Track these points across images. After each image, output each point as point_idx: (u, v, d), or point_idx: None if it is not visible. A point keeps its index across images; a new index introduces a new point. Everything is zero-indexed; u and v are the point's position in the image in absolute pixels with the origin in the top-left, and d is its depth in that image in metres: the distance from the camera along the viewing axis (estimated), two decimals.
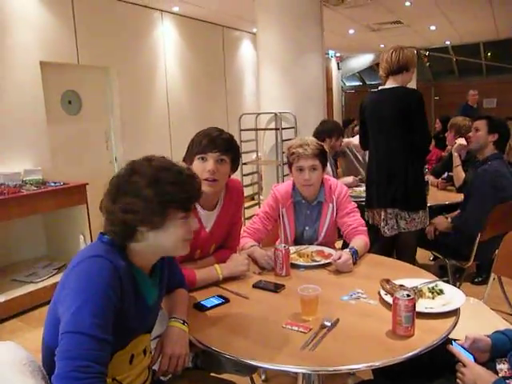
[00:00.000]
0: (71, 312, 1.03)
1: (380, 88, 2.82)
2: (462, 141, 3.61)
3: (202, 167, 1.76)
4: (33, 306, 3.43)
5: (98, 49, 4.80)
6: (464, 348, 1.32)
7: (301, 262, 1.98)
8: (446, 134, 4.10)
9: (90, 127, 4.90)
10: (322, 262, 1.96)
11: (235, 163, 1.86)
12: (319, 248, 2.13)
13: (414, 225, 2.75)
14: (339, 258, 1.87)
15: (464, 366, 1.28)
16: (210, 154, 1.76)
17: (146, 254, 1.22)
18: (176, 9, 5.72)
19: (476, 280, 3.55)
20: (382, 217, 2.78)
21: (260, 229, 2.22)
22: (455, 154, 3.53)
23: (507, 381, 1.25)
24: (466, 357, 1.28)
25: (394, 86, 2.73)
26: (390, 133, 2.73)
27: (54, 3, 4.32)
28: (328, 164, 3.41)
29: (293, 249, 2.07)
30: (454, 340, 1.35)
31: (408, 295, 1.34)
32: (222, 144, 1.77)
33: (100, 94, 5.03)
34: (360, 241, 2.08)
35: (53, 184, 3.77)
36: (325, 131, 3.75)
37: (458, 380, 1.29)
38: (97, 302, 1.05)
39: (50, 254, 4.22)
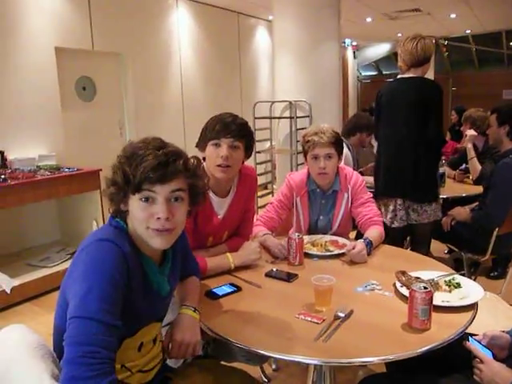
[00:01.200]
0: (79, 297, 1.02)
1: (399, 77, 2.76)
2: (471, 131, 3.55)
3: (216, 153, 1.73)
4: (46, 290, 3.47)
5: (113, 35, 4.78)
6: (481, 344, 1.28)
7: (314, 251, 1.95)
8: (462, 128, 4.01)
9: (103, 113, 4.90)
10: (335, 252, 1.93)
11: (249, 149, 1.83)
12: (333, 238, 2.10)
13: (425, 217, 2.70)
14: (353, 248, 1.84)
15: (481, 362, 1.24)
16: (224, 140, 1.73)
17: (142, 239, 1.19)
18: None
19: (492, 274, 3.49)
20: (391, 208, 2.73)
21: (274, 217, 2.19)
22: (469, 146, 3.46)
23: None
24: (483, 353, 1.24)
25: (413, 76, 2.67)
26: (404, 122, 2.67)
27: None
28: (350, 156, 3.37)
29: (306, 238, 2.04)
30: (471, 335, 1.32)
31: (425, 287, 1.31)
32: (235, 129, 1.73)
33: (114, 81, 5.02)
34: (375, 231, 2.05)
35: (67, 169, 3.78)
36: (358, 126, 3.62)
37: (474, 376, 1.26)
38: (104, 287, 1.03)
39: (64, 239, 4.26)
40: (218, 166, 1.73)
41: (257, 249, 1.83)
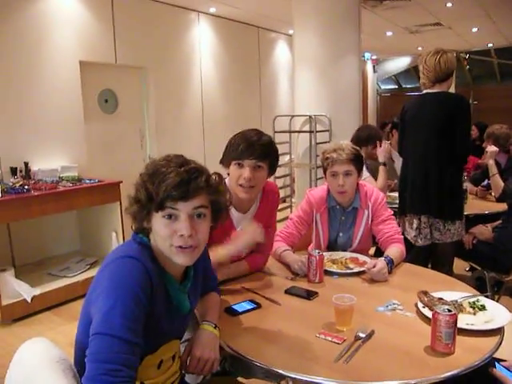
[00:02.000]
0: (102, 313, 1.02)
1: (424, 92, 2.72)
2: (492, 147, 3.48)
3: (238, 173, 1.72)
4: (66, 300, 3.50)
5: (136, 49, 4.88)
6: (510, 371, 1.24)
7: (334, 268, 1.93)
8: (484, 144, 3.94)
9: (125, 126, 4.98)
10: (356, 270, 1.91)
11: (273, 168, 1.81)
12: (354, 255, 2.08)
13: (449, 236, 2.64)
14: (374, 267, 1.82)
15: None
16: (247, 161, 1.71)
17: (165, 257, 1.19)
18: (213, 10, 5.74)
19: None
20: (415, 225, 2.68)
21: (293, 233, 2.18)
22: (490, 162, 3.39)
23: None
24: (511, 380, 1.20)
25: (439, 91, 2.64)
26: (429, 138, 2.64)
27: (94, 4, 4.41)
28: (367, 172, 3.32)
29: (326, 255, 2.02)
30: (498, 361, 1.28)
31: (449, 310, 1.28)
32: (259, 150, 1.70)
33: (136, 94, 5.11)
34: (396, 249, 2.02)
35: (88, 181, 3.84)
36: (361, 139, 3.55)
37: None
38: (128, 304, 1.03)
39: (83, 249, 4.31)
40: (241, 185, 1.73)
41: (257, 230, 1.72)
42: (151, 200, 1.13)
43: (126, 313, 1.02)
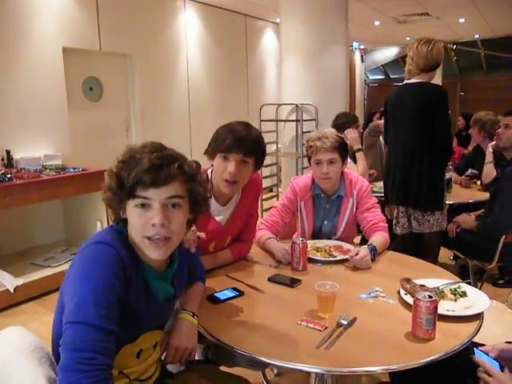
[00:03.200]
0: (75, 302, 1.00)
1: (405, 82, 2.73)
2: (492, 143, 3.49)
3: (223, 167, 1.68)
4: (50, 290, 3.46)
5: (120, 35, 4.79)
6: (489, 356, 1.25)
7: (318, 256, 1.93)
8: (470, 131, 3.96)
9: (110, 114, 4.91)
10: (339, 258, 1.91)
11: (259, 163, 1.77)
12: (337, 243, 2.08)
13: (427, 226, 2.66)
14: (356, 254, 1.82)
15: (489, 375, 1.21)
16: (233, 156, 1.67)
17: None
18: None
19: (498, 282, 3.45)
20: (395, 214, 2.73)
21: (278, 221, 2.17)
22: (490, 150, 3.39)
23: None
24: (490, 365, 1.21)
25: (419, 81, 2.63)
26: (409, 129, 2.65)
27: None
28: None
29: (310, 243, 2.01)
30: (477, 345, 1.29)
31: (430, 296, 1.28)
32: (247, 146, 1.66)
33: (121, 82, 5.03)
34: (379, 237, 2.02)
35: (72, 170, 3.79)
36: (339, 126, 3.55)
37: None
38: (100, 291, 1.01)
39: (68, 239, 4.27)
40: (225, 180, 1.69)
41: None
42: (122, 187, 1.10)
43: (99, 300, 1.00)
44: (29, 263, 3.69)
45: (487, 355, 1.23)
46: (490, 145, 3.45)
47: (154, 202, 1.10)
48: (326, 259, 1.91)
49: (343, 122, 3.62)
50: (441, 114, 2.56)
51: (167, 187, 1.10)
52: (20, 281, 3.34)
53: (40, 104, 4.05)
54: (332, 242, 2.10)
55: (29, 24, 3.92)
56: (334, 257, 1.93)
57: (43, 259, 3.75)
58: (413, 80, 2.67)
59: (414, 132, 2.63)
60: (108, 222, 3.82)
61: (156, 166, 1.08)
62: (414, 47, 2.63)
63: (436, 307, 1.28)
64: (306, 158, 2.23)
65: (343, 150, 2.13)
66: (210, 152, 1.73)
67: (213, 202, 1.79)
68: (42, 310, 3.27)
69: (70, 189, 3.68)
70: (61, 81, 4.21)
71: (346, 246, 2.04)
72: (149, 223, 1.10)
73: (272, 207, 2.30)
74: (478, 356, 1.22)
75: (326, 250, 1.98)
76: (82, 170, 3.78)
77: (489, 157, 3.37)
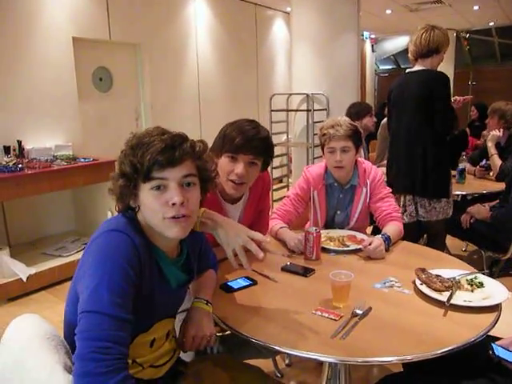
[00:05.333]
0: (89, 290, 0.99)
1: (407, 71, 2.73)
2: (496, 132, 3.47)
3: (230, 167, 1.63)
4: (61, 280, 3.49)
5: (130, 25, 4.77)
6: (509, 350, 1.22)
7: (331, 246, 1.91)
8: (487, 121, 3.90)
9: (120, 104, 4.90)
10: (353, 248, 1.89)
11: (267, 164, 1.73)
12: (351, 233, 2.06)
13: (434, 214, 2.64)
14: (370, 244, 1.80)
15: None
16: (242, 157, 1.62)
17: (155, 232, 1.16)
18: None
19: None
20: (402, 203, 2.70)
21: (290, 211, 2.16)
22: (489, 145, 3.38)
23: None
24: None
25: (420, 68, 2.62)
26: (411, 117, 2.64)
27: None
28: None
29: (324, 233, 1.99)
30: (494, 339, 1.26)
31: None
32: (257, 146, 1.61)
33: (131, 72, 5.02)
34: (393, 227, 2.00)
35: (83, 160, 3.80)
36: (352, 114, 3.60)
37: None
38: (115, 280, 1.00)
39: (79, 229, 4.29)
40: (231, 181, 1.65)
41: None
42: (137, 171, 1.09)
43: (114, 288, 0.99)
44: (40, 253, 3.72)
45: (509, 350, 1.20)
46: (488, 139, 3.42)
47: (170, 181, 1.10)
48: (340, 249, 1.89)
49: (357, 110, 3.62)
50: (440, 100, 2.53)
51: (182, 166, 1.11)
52: (32, 270, 3.37)
53: (50, 94, 4.05)
54: (345, 232, 2.07)
55: (38, 14, 3.91)
56: (347, 246, 1.91)
57: (54, 249, 3.77)
58: (415, 68, 2.67)
59: (416, 119, 2.62)
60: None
61: (169, 145, 1.09)
62: (411, 37, 2.66)
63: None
64: (320, 146, 2.20)
65: (357, 138, 2.10)
66: (216, 150, 1.66)
67: (223, 202, 1.77)
68: (53, 299, 3.30)
69: (81, 179, 3.69)
70: (71, 71, 4.20)
71: (359, 235, 2.01)
72: (168, 204, 1.10)
73: (284, 197, 2.28)
74: (497, 352, 1.19)
75: (339, 240, 1.96)
76: (93, 160, 3.79)
77: (491, 150, 3.35)
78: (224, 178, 1.66)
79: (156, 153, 1.07)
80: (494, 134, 3.44)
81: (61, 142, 4.07)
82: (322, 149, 2.16)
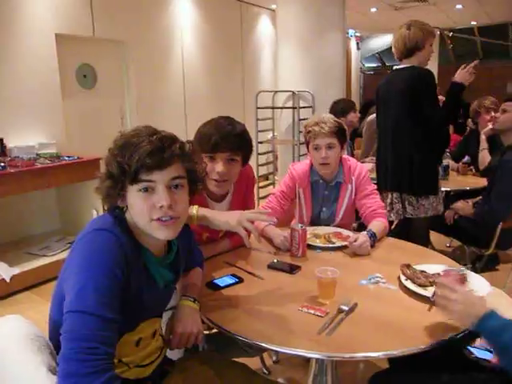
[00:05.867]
0: (75, 290, 0.98)
1: (394, 68, 2.76)
2: (490, 126, 3.49)
3: (211, 167, 1.63)
4: (46, 280, 3.45)
5: (114, 22, 4.72)
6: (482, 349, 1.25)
7: (317, 243, 1.92)
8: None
9: (104, 102, 4.85)
10: (338, 244, 1.90)
11: (247, 158, 1.73)
12: (337, 230, 2.07)
13: (423, 211, 2.65)
14: (355, 241, 1.81)
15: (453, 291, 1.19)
16: (220, 155, 1.62)
17: (142, 232, 1.15)
18: None
19: (494, 267, 3.46)
20: (389, 201, 2.70)
21: (276, 208, 2.16)
22: (483, 137, 3.41)
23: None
24: (454, 284, 1.20)
25: (405, 66, 2.65)
26: (397, 114, 2.65)
27: None
28: None
29: (309, 230, 2.00)
30: (470, 344, 1.28)
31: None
32: (233, 142, 1.60)
33: (115, 69, 4.96)
34: (379, 223, 2.01)
35: (67, 158, 3.74)
36: (337, 112, 3.59)
37: (438, 307, 1.22)
38: (101, 280, 0.99)
39: (63, 228, 4.23)
40: (213, 180, 1.65)
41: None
42: (124, 173, 1.07)
43: (100, 288, 0.98)
44: (24, 252, 3.66)
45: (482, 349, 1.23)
46: (483, 132, 3.45)
47: (158, 184, 1.09)
48: (326, 246, 1.90)
49: (342, 107, 3.64)
50: (427, 97, 2.54)
51: (170, 168, 1.10)
52: (16, 270, 3.32)
53: (33, 92, 3.99)
54: (331, 229, 2.09)
55: (20, 10, 3.85)
56: (333, 243, 1.92)
57: (39, 248, 3.72)
58: (401, 66, 2.69)
59: (403, 116, 2.62)
60: (104, 211, 3.79)
61: (158, 147, 1.07)
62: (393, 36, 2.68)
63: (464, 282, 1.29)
64: (305, 144, 2.21)
65: (341, 135, 2.12)
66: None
67: (209, 201, 1.77)
68: (38, 299, 3.25)
69: (65, 177, 3.64)
70: (54, 68, 4.14)
71: (345, 232, 2.02)
72: (155, 206, 1.09)
73: (270, 194, 2.28)
74: (475, 353, 1.22)
75: (325, 237, 1.97)
76: (77, 159, 3.74)
77: (483, 143, 3.38)
78: (206, 178, 1.66)
79: (144, 155, 1.06)
80: (490, 128, 3.45)
81: (44, 139, 4.01)
82: (307, 146, 2.17)
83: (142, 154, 1.06)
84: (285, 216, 2.23)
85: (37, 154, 3.77)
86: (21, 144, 3.78)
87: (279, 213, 2.17)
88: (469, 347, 1.27)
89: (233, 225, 1.48)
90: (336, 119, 2.15)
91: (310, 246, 1.88)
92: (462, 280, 1.28)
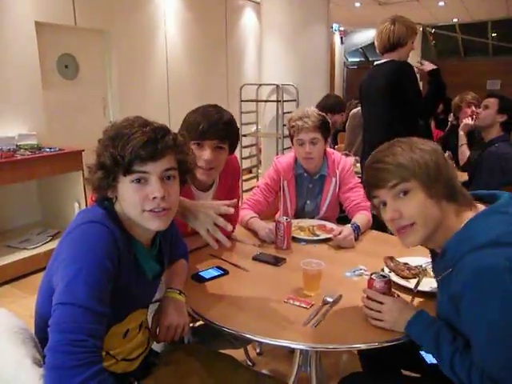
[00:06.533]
0: (65, 282, 0.96)
1: (375, 63, 2.78)
2: (468, 121, 3.55)
3: (198, 154, 1.62)
4: (27, 273, 3.40)
5: (97, 11, 4.63)
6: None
7: (302, 235, 1.93)
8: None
9: (86, 92, 4.77)
10: (323, 237, 1.92)
11: (234, 147, 1.73)
12: (321, 222, 2.08)
13: None
14: (339, 234, 1.83)
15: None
16: (208, 142, 1.61)
17: (133, 223, 1.15)
18: None
19: None
20: None
21: (261, 200, 2.17)
22: (461, 133, 3.46)
23: None
24: (378, 296, 1.26)
25: (385, 60, 2.67)
26: (379, 108, 2.68)
27: None
28: None
29: (294, 222, 2.01)
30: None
31: (384, 276, 1.30)
32: (221, 130, 1.60)
33: (98, 59, 4.88)
34: (362, 216, 2.04)
35: (48, 149, 3.68)
36: (326, 107, 3.58)
37: (371, 320, 1.26)
38: (92, 272, 0.98)
39: (45, 220, 4.17)
40: (200, 167, 1.64)
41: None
42: (117, 164, 1.07)
43: (91, 281, 0.97)
44: (4, 245, 3.60)
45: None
46: (460, 128, 3.51)
47: (151, 175, 1.09)
48: (311, 238, 1.92)
49: (332, 104, 3.61)
50: (409, 87, 2.56)
51: (163, 160, 1.10)
52: None
53: (12, 81, 3.89)
54: (316, 222, 2.10)
55: None
56: (318, 236, 1.93)
57: (19, 241, 3.66)
58: (381, 60, 2.72)
59: (385, 110, 2.65)
60: (86, 203, 3.75)
61: (152, 139, 1.07)
62: (377, 29, 2.68)
63: (390, 287, 1.30)
64: (289, 137, 2.21)
65: (325, 129, 2.13)
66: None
67: (193, 190, 1.76)
68: (18, 293, 3.20)
69: (46, 169, 3.58)
70: (34, 57, 4.05)
71: (329, 225, 2.04)
72: (148, 197, 1.09)
73: (254, 187, 2.28)
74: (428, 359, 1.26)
75: (309, 230, 1.98)
76: (59, 150, 3.68)
77: (462, 139, 3.43)
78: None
79: (138, 146, 1.05)
80: (466, 123, 3.51)
81: (24, 131, 3.92)
82: (291, 140, 2.18)
83: (136, 145, 1.05)
84: (269, 209, 2.24)
85: (17, 146, 3.69)
86: (0, 135, 3.69)
87: (264, 205, 2.18)
88: (422, 353, 1.30)
89: (197, 225, 1.43)
90: (320, 112, 2.15)
91: (294, 239, 1.90)
92: (388, 285, 1.29)
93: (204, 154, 1.62)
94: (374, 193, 1.17)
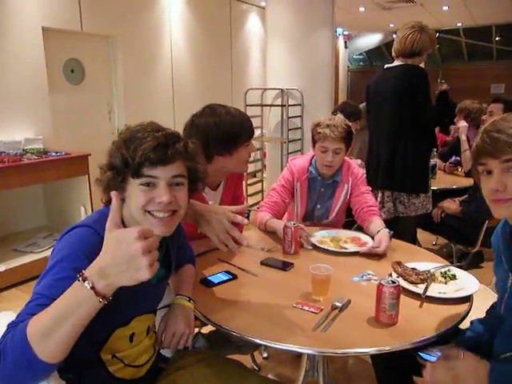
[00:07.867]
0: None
1: (386, 66, 2.74)
2: (463, 123, 3.56)
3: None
4: (33, 276, 3.40)
5: (103, 16, 4.66)
6: (431, 355, 1.27)
7: (331, 247, 1.87)
8: (456, 120, 4.00)
9: (92, 97, 4.80)
10: (351, 250, 1.84)
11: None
12: (355, 234, 2.02)
13: (413, 209, 2.67)
14: (378, 246, 1.78)
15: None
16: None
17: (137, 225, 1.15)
18: None
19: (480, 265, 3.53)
20: (379, 199, 2.71)
21: (278, 202, 2.17)
22: (463, 138, 3.46)
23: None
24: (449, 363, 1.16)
25: (399, 64, 2.64)
26: (390, 112, 2.65)
27: None
28: None
29: (324, 233, 2.00)
30: (422, 350, 1.29)
31: (393, 282, 1.29)
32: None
33: (103, 64, 4.91)
34: (380, 222, 2.00)
35: (54, 154, 3.70)
36: (346, 114, 3.52)
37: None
38: (63, 266, 1.01)
39: (51, 224, 4.19)
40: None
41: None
42: (127, 165, 1.08)
43: (58, 272, 1.00)
44: (11, 249, 3.61)
45: (431, 355, 1.25)
46: (460, 132, 3.51)
47: (160, 180, 1.10)
48: (338, 250, 1.85)
49: (351, 111, 3.59)
50: (420, 93, 2.54)
51: (172, 166, 1.11)
52: (2, 267, 3.27)
53: (19, 86, 3.92)
54: (350, 233, 2.04)
55: (6, 3, 3.77)
56: (346, 249, 1.86)
57: (25, 245, 3.67)
58: (394, 64, 2.68)
59: (395, 114, 2.62)
60: (92, 207, 3.76)
61: (163, 144, 1.08)
62: (398, 32, 2.65)
63: (399, 292, 1.29)
64: (311, 140, 2.21)
65: (349, 139, 2.13)
66: (227, 148, 1.73)
67: (206, 189, 1.78)
68: (24, 297, 3.17)
69: (53, 173, 3.60)
70: (41, 62, 4.08)
71: (363, 238, 1.97)
72: (154, 200, 1.10)
73: (258, 192, 2.30)
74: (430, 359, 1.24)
75: (339, 241, 1.92)
76: (65, 154, 3.70)
77: (464, 145, 3.43)
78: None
79: (148, 149, 1.07)
80: (463, 126, 3.51)
81: (31, 135, 3.95)
82: (313, 143, 2.18)
83: (147, 149, 1.07)
84: (286, 210, 2.27)
85: (23, 150, 3.72)
86: (7, 139, 3.71)
87: (282, 207, 2.19)
88: (421, 354, 1.29)
89: (209, 231, 1.45)
90: (347, 123, 2.15)
91: (317, 248, 1.87)
92: (398, 290, 1.28)
93: (252, 150, 1.84)
94: (482, 160, 1.14)
